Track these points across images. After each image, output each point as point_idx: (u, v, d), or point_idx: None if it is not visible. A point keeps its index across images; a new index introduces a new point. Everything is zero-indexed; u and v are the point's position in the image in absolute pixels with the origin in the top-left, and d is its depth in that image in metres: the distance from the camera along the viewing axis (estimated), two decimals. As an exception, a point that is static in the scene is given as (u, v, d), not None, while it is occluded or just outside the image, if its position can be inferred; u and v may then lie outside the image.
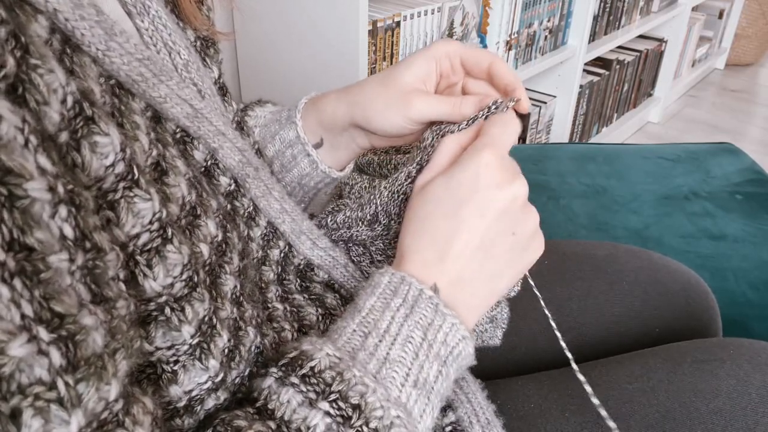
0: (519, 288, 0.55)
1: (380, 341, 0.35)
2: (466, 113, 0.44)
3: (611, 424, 0.40)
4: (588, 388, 0.42)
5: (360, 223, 0.48)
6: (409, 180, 0.44)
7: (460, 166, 0.39)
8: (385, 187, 0.46)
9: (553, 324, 0.45)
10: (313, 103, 0.52)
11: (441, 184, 0.39)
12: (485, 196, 0.38)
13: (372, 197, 0.47)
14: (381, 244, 0.48)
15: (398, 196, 0.45)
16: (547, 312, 0.46)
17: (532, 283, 0.47)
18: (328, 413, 0.31)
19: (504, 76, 0.46)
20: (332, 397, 0.31)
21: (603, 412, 0.41)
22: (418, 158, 0.44)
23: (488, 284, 0.39)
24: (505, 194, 0.38)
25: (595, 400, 0.41)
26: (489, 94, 0.47)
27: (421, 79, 0.47)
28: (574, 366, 0.43)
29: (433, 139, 0.44)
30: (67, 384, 0.20)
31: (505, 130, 0.40)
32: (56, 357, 0.20)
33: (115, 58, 0.29)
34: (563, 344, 0.44)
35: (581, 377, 0.43)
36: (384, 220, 0.46)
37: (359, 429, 0.31)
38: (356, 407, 0.31)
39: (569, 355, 0.44)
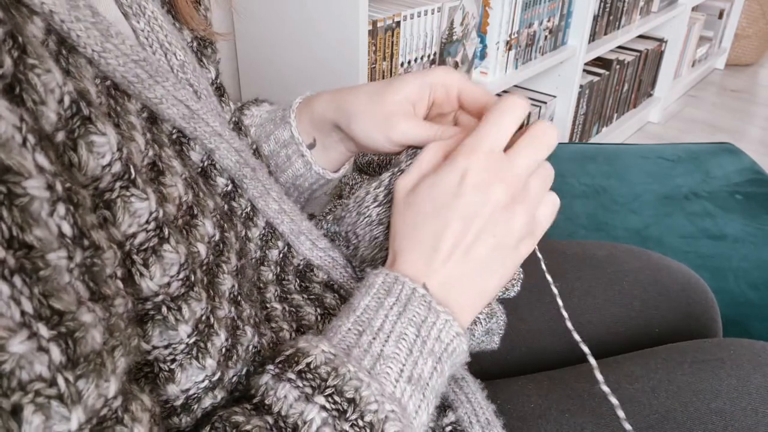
0: (518, 288, 0.55)
1: (374, 338, 0.35)
2: None
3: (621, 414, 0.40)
4: (605, 388, 0.42)
5: (339, 238, 0.47)
6: (376, 203, 0.43)
7: (444, 170, 0.39)
8: (352, 207, 0.45)
9: (568, 322, 0.45)
10: (307, 102, 0.52)
11: (426, 188, 0.39)
12: (465, 201, 0.38)
13: (344, 214, 0.46)
14: (357, 262, 0.47)
15: (363, 218, 0.44)
16: (561, 305, 0.46)
17: (550, 280, 0.47)
18: (324, 407, 0.31)
19: None
20: (328, 391, 0.31)
21: (615, 402, 0.40)
22: (386, 180, 0.43)
23: (478, 284, 0.39)
24: (483, 199, 0.38)
25: (614, 400, 0.41)
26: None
27: (412, 102, 0.47)
28: (593, 361, 0.43)
29: (403, 163, 0.43)
30: (67, 380, 0.20)
31: (498, 125, 0.39)
32: (56, 354, 0.20)
33: (110, 60, 0.29)
34: (579, 339, 0.43)
35: (599, 376, 0.42)
36: (353, 240, 0.45)
37: (354, 422, 0.31)
38: (351, 401, 0.31)
39: (586, 349, 0.43)
